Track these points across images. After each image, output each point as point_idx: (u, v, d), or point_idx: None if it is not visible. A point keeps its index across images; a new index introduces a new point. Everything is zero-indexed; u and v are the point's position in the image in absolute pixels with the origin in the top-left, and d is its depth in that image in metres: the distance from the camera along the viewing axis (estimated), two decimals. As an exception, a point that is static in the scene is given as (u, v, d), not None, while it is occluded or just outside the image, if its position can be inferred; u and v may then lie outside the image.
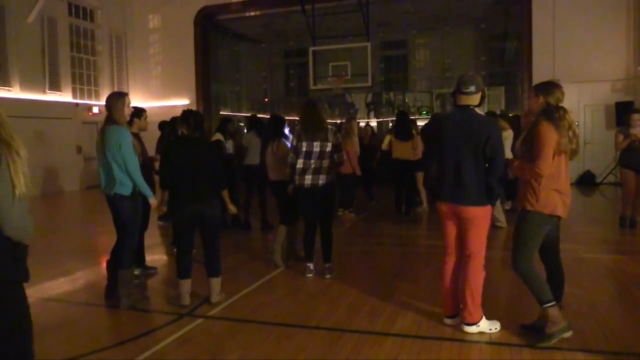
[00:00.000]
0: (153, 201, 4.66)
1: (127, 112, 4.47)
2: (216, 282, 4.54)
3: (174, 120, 6.49)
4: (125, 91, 16.98)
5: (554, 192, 3.43)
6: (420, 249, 6.80)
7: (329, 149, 5.13)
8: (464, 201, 3.60)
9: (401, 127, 8.90)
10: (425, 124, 9.10)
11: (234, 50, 19.50)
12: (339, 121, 16.35)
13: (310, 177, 5.15)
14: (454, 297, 3.83)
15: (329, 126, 5.27)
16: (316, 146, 5.11)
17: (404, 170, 8.81)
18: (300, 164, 5.16)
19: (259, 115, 9.20)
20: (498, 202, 6.95)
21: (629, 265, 5.64)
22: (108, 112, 4.43)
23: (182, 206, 4.41)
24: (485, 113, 8.15)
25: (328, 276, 5.25)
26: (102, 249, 4.88)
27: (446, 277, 3.83)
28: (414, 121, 10.50)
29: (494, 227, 6.24)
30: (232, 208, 4.77)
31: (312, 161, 5.13)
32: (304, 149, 5.13)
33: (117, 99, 4.43)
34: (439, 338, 3.67)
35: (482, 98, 3.68)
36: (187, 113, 4.56)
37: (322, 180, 5.15)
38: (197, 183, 4.38)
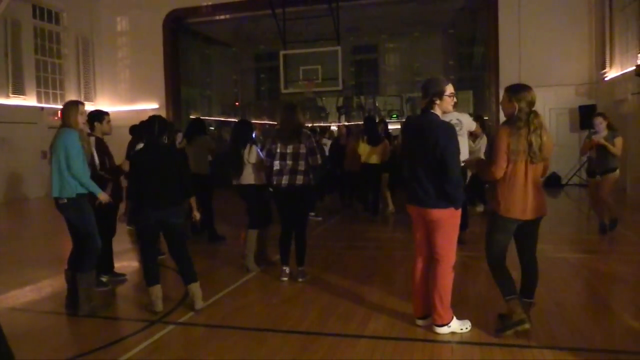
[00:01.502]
0: (102, 196, 4.60)
1: (82, 119, 4.54)
2: (196, 288, 4.45)
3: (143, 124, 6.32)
4: (92, 95, 16.79)
5: (510, 196, 3.53)
6: (392, 251, 6.83)
7: (302, 150, 5.17)
8: (426, 204, 3.64)
9: (370, 132, 9.04)
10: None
11: (204, 54, 19.34)
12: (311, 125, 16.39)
13: (287, 177, 5.18)
14: (425, 298, 3.84)
15: (304, 130, 5.32)
16: (289, 148, 5.18)
17: (374, 174, 9.05)
18: (276, 165, 5.23)
19: (200, 118, 8.75)
20: None
21: (595, 264, 5.79)
22: (62, 119, 4.52)
23: (148, 214, 4.33)
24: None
25: (300, 280, 5.24)
26: (68, 256, 4.76)
27: (416, 279, 3.86)
28: (386, 124, 10.49)
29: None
30: (196, 214, 4.72)
31: (288, 162, 5.19)
32: (278, 150, 5.23)
33: (71, 107, 4.52)
34: (411, 339, 3.70)
35: (431, 102, 3.62)
36: (151, 119, 4.52)
37: (299, 180, 5.17)
38: (163, 190, 4.32)
